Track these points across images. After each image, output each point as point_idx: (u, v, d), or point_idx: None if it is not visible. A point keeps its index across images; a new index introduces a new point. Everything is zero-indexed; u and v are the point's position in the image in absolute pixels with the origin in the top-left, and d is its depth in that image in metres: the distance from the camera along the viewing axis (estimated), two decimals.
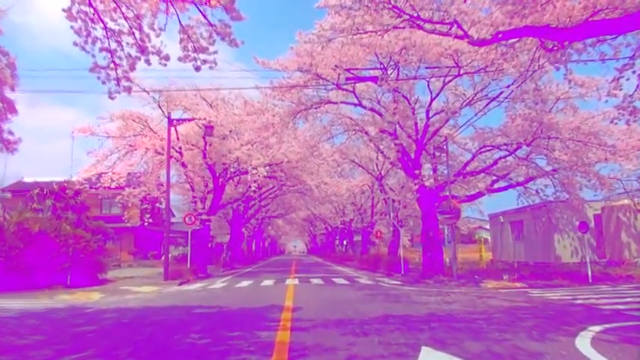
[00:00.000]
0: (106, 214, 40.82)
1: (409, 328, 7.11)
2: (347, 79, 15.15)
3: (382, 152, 21.13)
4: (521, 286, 14.90)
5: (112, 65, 7.79)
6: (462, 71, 15.24)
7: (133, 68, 7.92)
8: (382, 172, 28.45)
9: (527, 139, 15.99)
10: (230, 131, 24.05)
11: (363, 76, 15.54)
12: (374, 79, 15.18)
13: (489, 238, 49.79)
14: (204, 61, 7.65)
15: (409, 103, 16.68)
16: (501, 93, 16.70)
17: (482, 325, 7.29)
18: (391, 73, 15.37)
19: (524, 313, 8.54)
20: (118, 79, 7.99)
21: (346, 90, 17.34)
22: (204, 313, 9.53)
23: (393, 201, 23.32)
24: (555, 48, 9.64)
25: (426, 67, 14.82)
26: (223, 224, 41.99)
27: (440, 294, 12.75)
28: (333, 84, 16.58)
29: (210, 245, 44.01)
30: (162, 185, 27.06)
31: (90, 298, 14.61)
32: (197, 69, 7.78)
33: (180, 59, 7.65)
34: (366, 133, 21.21)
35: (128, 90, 8.35)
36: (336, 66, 14.89)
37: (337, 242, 57.53)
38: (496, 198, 19.99)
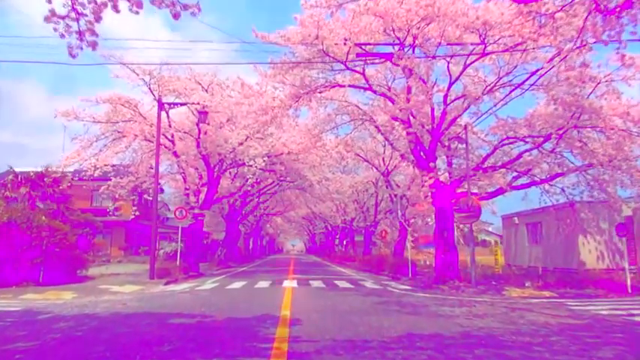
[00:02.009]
0: (97, 206, 38.93)
1: (448, 357, 5.29)
2: (357, 54, 13.31)
3: (392, 144, 19.27)
4: (550, 295, 13.08)
5: (72, 14, 6.19)
6: (487, 50, 13.40)
7: (98, 18, 6.35)
8: (389, 167, 26.58)
9: (562, 128, 14.09)
10: (227, 120, 22.23)
11: (377, 52, 13.69)
12: (389, 55, 13.34)
13: (492, 240, 48.04)
14: (185, 6, 6.05)
15: (425, 87, 14.79)
16: (529, 77, 14.83)
17: (544, 355, 5.46)
18: (407, 51, 13.53)
19: (586, 336, 6.71)
20: (80, 33, 6.35)
21: (355, 71, 15.51)
22: (180, 325, 7.70)
23: (401, 197, 21.48)
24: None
25: (448, 44, 12.96)
26: (220, 221, 40.19)
27: (462, 303, 10.93)
28: (342, 63, 14.75)
29: (205, 242, 42.23)
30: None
31: (60, 298, 12.83)
32: (176, 16, 6.18)
33: (153, 2, 6.06)
34: (374, 122, 19.36)
35: (93, 45, 6.64)
36: (345, 40, 13.05)
37: (337, 242, 55.69)
38: (501, 198, 17.96)
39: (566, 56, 10.88)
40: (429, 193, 16.99)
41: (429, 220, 26.56)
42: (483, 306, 10.51)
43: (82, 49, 6.55)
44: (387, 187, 26.06)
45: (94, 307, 10.15)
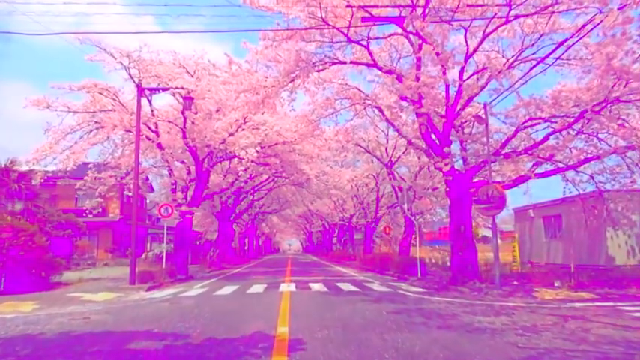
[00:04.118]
0: (82, 207, 36.90)
1: None
2: (363, 19, 11.36)
3: (398, 130, 17.30)
4: (590, 297, 11.24)
5: None
6: (512, 14, 11.49)
7: None
8: (392, 158, 24.63)
9: (599, 103, 12.17)
10: (217, 110, 20.22)
11: (385, 16, 11.74)
12: (399, 19, 11.41)
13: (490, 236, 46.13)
14: None
15: (439, 59, 12.83)
16: (557, 47, 12.89)
17: None
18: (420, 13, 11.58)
19: None
20: None
21: (358, 43, 13.58)
22: (139, 353, 5.75)
23: (408, 189, 19.54)
24: None
25: (468, 6, 11.04)
26: (214, 220, 38.15)
27: (495, 310, 9.03)
28: (343, 34, 12.82)
29: (198, 243, 40.20)
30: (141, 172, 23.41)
31: (17, 310, 10.83)
32: None
33: None
34: (378, 107, 17.42)
35: None
36: (348, 5, 11.12)
37: (335, 240, 53.76)
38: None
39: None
40: (438, 185, 15.16)
41: (441, 214, 24.79)
42: (523, 313, 8.62)
43: None
44: (392, 179, 24.05)
45: (45, 324, 8.17)
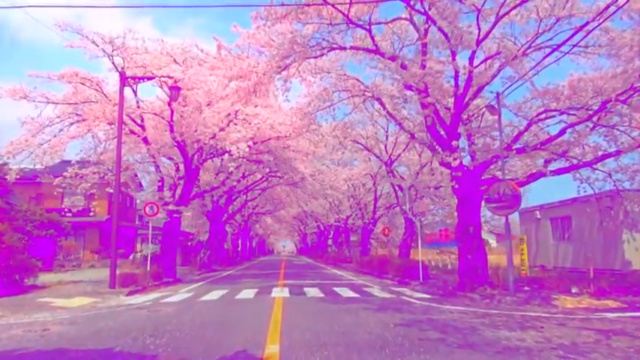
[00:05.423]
0: (69, 206, 35.48)
1: None
2: None
3: (400, 123, 16.08)
4: (618, 307, 10.08)
5: None
6: None
7: None
8: (392, 156, 23.43)
9: (625, 92, 11.04)
10: (208, 104, 18.93)
11: None
12: None
13: (489, 240, 44.86)
14: None
15: (449, 43, 11.64)
16: (576, 32, 11.77)
17: None
18: None
19: None
20: None
21: (359, 26, 12.42)
22: None
23: (409, 188, 18.34)
24: None
25: None
26: (206, 221, 36.81)
27: (519, 323, 7.84)
28: (344, 14, 11.64)
29: (189, 244, 38.81)
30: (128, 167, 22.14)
31: None
32: None
33: None
34: (379, 98, 16.22)
35: None
36: None
37: (330, 242, 52.53)
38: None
39: None
40: (441, 184, 13.99)
41: (441, 214, 23.63)
42: (552, 326, 7.44)
43: None
44: (392, 177, 22.84)
45: None
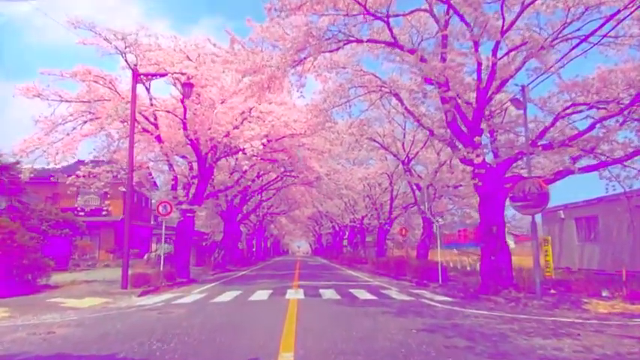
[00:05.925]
0: (83, 205, 35.63)
1: None
2: None
3: (418, 120, 15.54)
4: None
5: None
6: None
7: None
8: (409, 154, 22.83)
9: None
10: (222, 102, 18.60)
11: None
12: None
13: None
14: None
15: (471, 33, 11.09)
16: (606, 21, 11.13)
17: None
18: None
19: None
20: None
21: (377, 17, 11.93)
22: None
23: (428, 187, 17.76)
24: None
25: None
26: (221, 221, 36.60)
27: (550, 330, 7.29)
28: (360, 5, 11.19)
29: (204, 244, 38.66)
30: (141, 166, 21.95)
31: None
32: None
33: None
34: (396, 94, 15.69)
35: None
36: None
37: (346, 242, 52.00)
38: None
39: None
40: (461, 182, 13.42)
41: (461, 215, 22.99)
42: (589, 334, 6.87)
43: None
44: (409, 175, 22.24)
45: None
